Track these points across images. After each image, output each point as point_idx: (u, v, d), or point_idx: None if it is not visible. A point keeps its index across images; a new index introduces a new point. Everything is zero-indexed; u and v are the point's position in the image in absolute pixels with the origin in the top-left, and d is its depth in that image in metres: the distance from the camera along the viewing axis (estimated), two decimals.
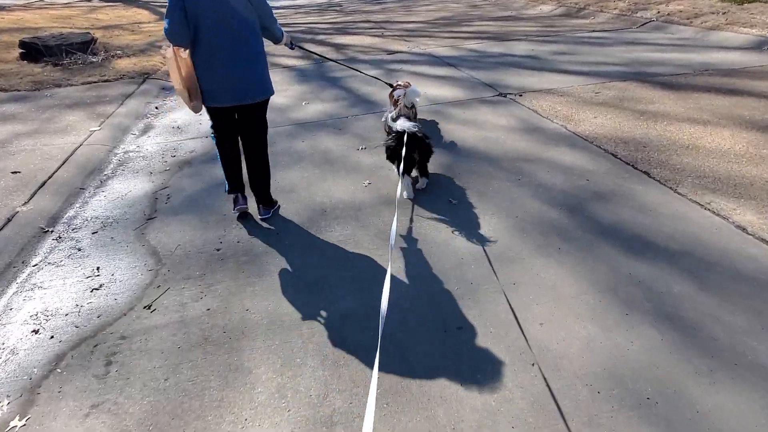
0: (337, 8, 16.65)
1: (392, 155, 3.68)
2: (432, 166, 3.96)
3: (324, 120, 5.65)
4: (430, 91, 6.35)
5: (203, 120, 5.84)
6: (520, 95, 5.93)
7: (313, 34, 11.71)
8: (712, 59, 6.84)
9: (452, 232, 3.25)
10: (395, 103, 4.62)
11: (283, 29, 3.45)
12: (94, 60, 8.84)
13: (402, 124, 3.72)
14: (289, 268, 3.02)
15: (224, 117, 3.29)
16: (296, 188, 4.06)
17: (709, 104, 5.13)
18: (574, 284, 2.66)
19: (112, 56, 9.20)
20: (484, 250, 3.01)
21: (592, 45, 8.31)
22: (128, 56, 9.30)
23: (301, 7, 17.88)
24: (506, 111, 5.43)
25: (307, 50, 4.73)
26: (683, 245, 2.92)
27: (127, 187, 4.30)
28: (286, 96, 6.72)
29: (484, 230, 3.24)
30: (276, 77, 7.39)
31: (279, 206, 3.72)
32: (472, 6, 14.58)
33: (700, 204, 3.33)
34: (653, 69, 6.59)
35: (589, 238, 3.06)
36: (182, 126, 5.84)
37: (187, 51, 2.98)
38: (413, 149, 3.53)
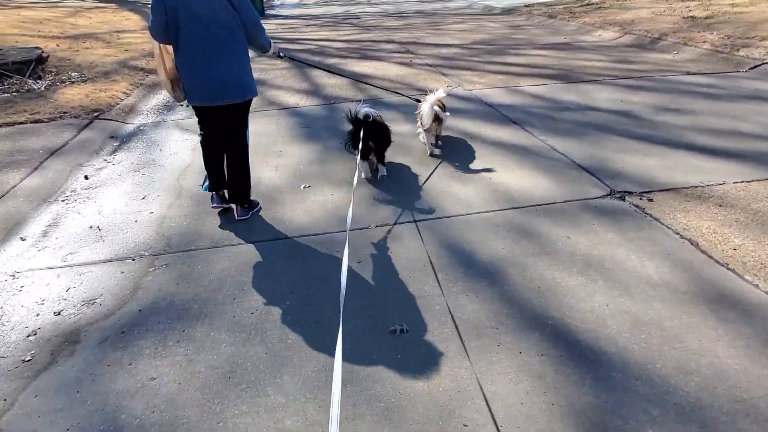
0: (355, 21, 14.42)
1: (354, 142, 3.85)
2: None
3: (333, 232, 3.42)
4: (498, 176, 4.14)
5: (141, 218, 3.65)
6: (650, 199, 3.66)
7: (324, 55, 9.50)
8: None
9: None
10: (420, 116, 4.55)
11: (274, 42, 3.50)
12: (35, 87, 6.62)
13: (365, 110, 3.88)
14: None
15: (206, 116, 3.41)
16: None
17: None
18: None
19: (62, 81, 6.98)
20: None
21: (704, 98, 6.05)
22: (83, 82, 7.08)
23: (314, 18, 15.69)
24: (641, 238, 3.23)
25: (299, 60, 4.88)
26: None
27: None
28: (279, 168, 4.56)
29: None
30: (270, 125, 5.30)
31: (260, 208, 3.76)
32: (513, 27, 12.31)
33: None
34: None
35: None
36: (109, 224, 3.63)
37: (171, 47, 3.12)
38: (370, 137, 3.86)
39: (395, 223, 3.54)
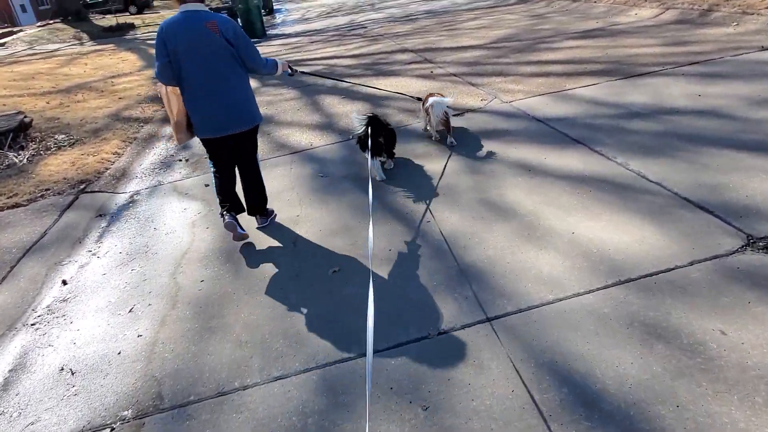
0: (361, 31, 13.45)
1: (364, 143, 4.04)
2: None
3: (382, 351, 2.47)
4: (584, 227, 3.16)
5: (126, 347, 2.74)
6: None
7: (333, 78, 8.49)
8: None
9: None
10: (426, 112, 4.78)
11: (278, 60, 3.63)
12: (15, 160, 5.82)
13: (362, 115, 4.13)
14: None
15: (214, 147, 3.51)
16: None
17: None
18: None
19: (47, 149, 6.19)
20: None
21: None
22: (71, 145, 6.27)
23: (317, 33, 14.78)
24: None
25: (309, 74, 5.23)
26: None
27: None
28: (298, 243, 3.67)
29: None
30: (283, 178, 5.23)
31: (275, 215, 3.99)
32: (535, 17, 11.18)
33: None
34: None
35: None
36: (85, 363, 2.82)
37: (178, 88, 3.27)
38: (379, 135, 4.06)
39: (462, 327, 2.52)
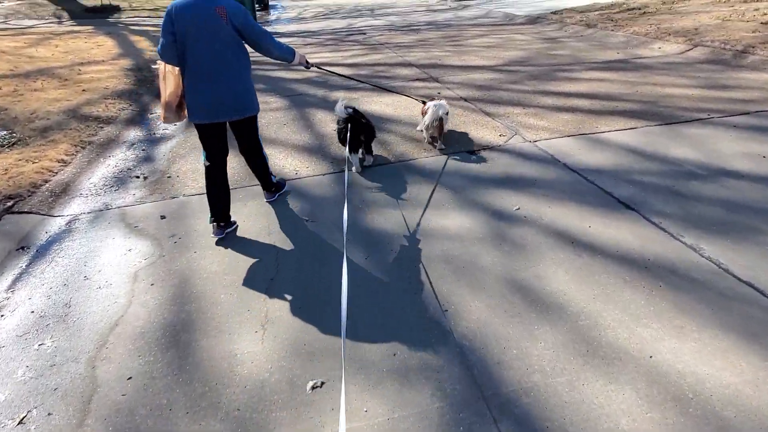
0: (360, 37, 12.53)
1: (344, 138, 4.18)
2: None
3: None
4: (666, 350, 2.30)
5: None
6: None
7: (327, 87, 7.61)
8: None
9: None
10: (423, 113, 4.81)
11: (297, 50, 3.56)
12: None
13: (344, 110, 4.28)
14: None
15: (208, 135, 3.46)
16: None
17: None
18: None
19: None
20: None
21: None
22: (10, 146, 5.29)
23: (313, 34, 13.82)
24: None
25: (327, 71, 4.88)
26: None
27: None
28: (266, 338, 2.74)
29: None
30: (257, 220, 4.23)
31: (286, 190, 4.19)
32: (548, 40, 10.40)
33: None
34: None
35: None
36: None
37: (177, 69, 3.23)
38: (360, 131, 4.22)
39: None
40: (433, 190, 4.06)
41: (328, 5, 24.21)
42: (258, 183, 4.19)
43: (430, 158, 4.72)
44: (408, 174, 4.40)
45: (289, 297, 2.91)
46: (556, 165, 4.34)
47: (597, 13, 12.56)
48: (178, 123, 3.35)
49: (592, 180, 4.00)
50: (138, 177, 4.88)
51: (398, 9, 19.74)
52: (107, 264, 3.41)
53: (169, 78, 3.27)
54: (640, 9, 12.09)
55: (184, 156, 5.28)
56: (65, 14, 19.21)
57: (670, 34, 9.19)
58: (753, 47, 7.54)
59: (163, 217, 4.00)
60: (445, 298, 2.76)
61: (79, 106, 6.85)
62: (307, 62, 3.78)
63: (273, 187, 4.03)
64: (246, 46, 3.37)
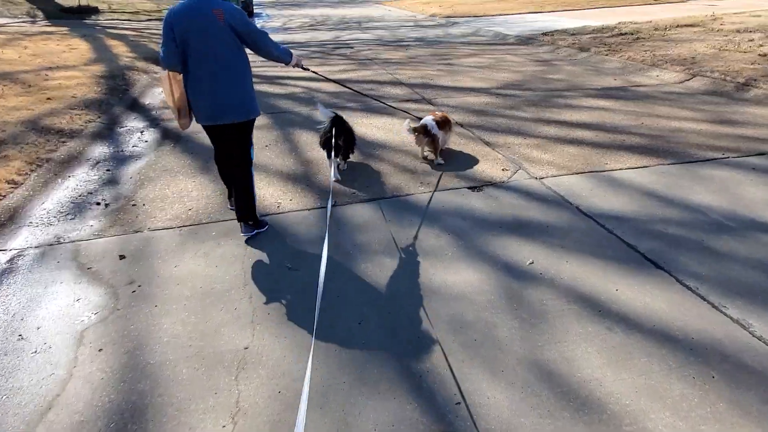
0: (347, 51, 12.09)
1: (326, 143, 4.21)
2: None
3: None
4: None
5: None
6: None
7: (312, 104, 7.11)
8: None
9: None
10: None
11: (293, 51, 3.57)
12: None
13: (327, 113, 4.41)
14: None
15: (213, 135, 3.55)
16: None
17: None
18: None
19: None
20: None
21: None
22: None
23: (298, 46, 13.38)
24: None
25: (323, 77, 5.11)
26: None
27: None
28: (237, 427, 2.02)
29: None
30: (231, 265, 3.38)
31: (267, 227, 3.77)
32: (541, 62, 10.10)
33: None
34: None
35: None
36: None
37: (180, 75, 3.23)
38: (339, 136, 4.20)
39: None
40: (434, 235, 3.57)
41: (314, 16, 23.77)
42: (232, 217, 3.68)
43: (428, 194, 4.25)
44: (404, 212, 3.93)
45: (265, 375, 2.39)
46: (568, 208, 3.91)
47: (589, 36, 12.35)
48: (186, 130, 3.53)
49: (610, 229, 3.58)
50: (99, 203, 4.32)
51: (386, 23, 19.40)
52: (49, 318, 2.85)
53: (174, 85, 3.26)
54: (632, 34, 11.90)
55: (154, 180, 4.73)
56: (40, 13, 18.43)
57: (666, 62, 8.95)
58: (755, 80, 7.30)
59: (122, 257, 3.46)
60: (457, 385, 2.27)
61: (41, 117, 6.25)
62: (300, 63, 3.73)
63: (252, 220, 3.65)
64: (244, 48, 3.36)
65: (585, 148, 5.22)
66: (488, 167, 4.77)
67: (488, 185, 4.40)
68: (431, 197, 4.20)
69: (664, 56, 9.36)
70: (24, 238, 3.79)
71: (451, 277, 3.10)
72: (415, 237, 3.57)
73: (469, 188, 4.36)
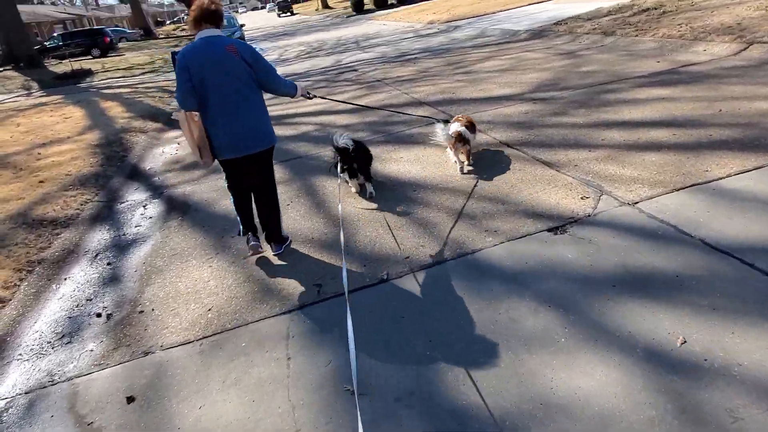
0: (352, 75, 11.31)
1: (342, 167, 4.23)
2: None
3: None
4: None
5: None
6: None
7: (330, 144, 6.22)
8: None
9: None
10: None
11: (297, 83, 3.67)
12: None
13: (343, 141, 4.20)
14: None
15: (232, 168, 3.58)
16: None
17: None
18: None
19: None
20: None
21: None
22: None
23: (300, 76, 12.69)
24: None
25: (331, 99, 4.94)
26: None
27: None
28: None
29: None
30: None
31: (290, 241, 3.87)
32: (566, 55, 9.18)
33: None
34: None
35: None
36: None
37: (197, 114, 3.28)
38: (353, 160, 4.24)
39: None
40: (529, 311, 2.66)
41: (309, 42, 23.11)
42: (262, 316, 2.82)
43: (500, 245, 3.35)
44: (478, 277, 3.05)
45: None
46: (691, 243, 2.98)
47: (608, 18, 11.39)
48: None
49: (763, 268, 2.61)
50: (99, 315, 3.52)
51: (385, 38, 18.63)
52: None
53: (192, 124, 3.29)
54: (656, 9, 10.92)
55: (163, 271, 3.93)
56: (35, 84, 18.07)
57: (710, 33, 7.96)
58: None
59: (130, 400, 2.62)
60: None
61: (32, 207, 5.52)
62: (308, 93, 3.82)
63: (281, 239, 3.77)
64: None
65: (668, 152, 4.28)
66: (562, 197, 3.86)
67: (572, 223, 3.48)
68: (507, 251, 3.28)
69: (705, 27, 8.37)
70: (12, 380, 3.02)
71: (580, 380, 2.18)
72: (506, 317, 2.66)
73: (548, 230, 3.45)
